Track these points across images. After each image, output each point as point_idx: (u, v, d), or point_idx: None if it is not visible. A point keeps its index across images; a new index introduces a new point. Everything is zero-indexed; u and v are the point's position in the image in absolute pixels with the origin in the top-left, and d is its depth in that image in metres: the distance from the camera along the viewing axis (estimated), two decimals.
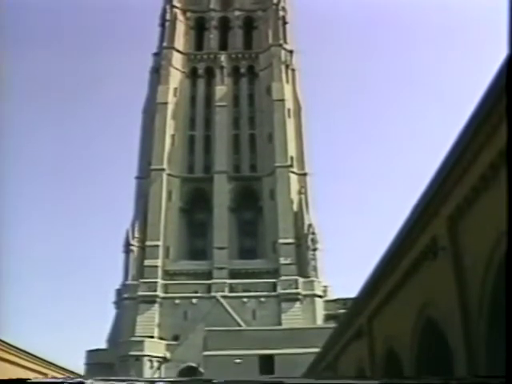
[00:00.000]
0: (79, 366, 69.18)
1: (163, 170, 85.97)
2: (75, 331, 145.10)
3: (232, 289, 77.77)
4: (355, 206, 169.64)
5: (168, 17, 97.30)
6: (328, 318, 73.95)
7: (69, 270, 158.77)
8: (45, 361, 45.35)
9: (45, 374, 45.33)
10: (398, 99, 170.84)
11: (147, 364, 71.43)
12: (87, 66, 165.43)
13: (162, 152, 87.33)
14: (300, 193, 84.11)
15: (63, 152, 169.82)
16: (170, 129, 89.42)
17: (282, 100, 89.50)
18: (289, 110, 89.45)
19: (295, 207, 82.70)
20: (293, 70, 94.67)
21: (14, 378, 34.04)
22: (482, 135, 12.33)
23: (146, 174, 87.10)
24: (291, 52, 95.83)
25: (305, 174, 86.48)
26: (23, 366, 41.37)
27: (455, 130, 13.37)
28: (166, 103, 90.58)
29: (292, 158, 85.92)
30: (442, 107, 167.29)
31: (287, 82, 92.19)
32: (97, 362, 74.60)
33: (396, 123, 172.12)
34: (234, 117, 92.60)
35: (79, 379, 21.86)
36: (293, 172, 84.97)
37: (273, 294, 77.11)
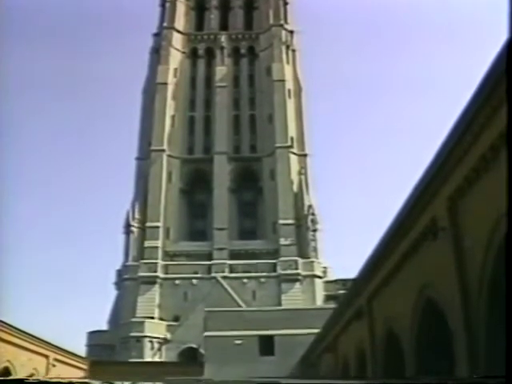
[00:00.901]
0: (81, 348, 69.65)
1: (163, 150, 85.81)
2: (76, 313, 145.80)
3: (232, 269, 77.89)
4: (355, 187, 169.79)
5: None
6: (328, 298, 74.13)
7: (69, 251, 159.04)
8: (47, 343, 45.57)
9: (46, 356, 45.55)
10: (398, 81, 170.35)
11: (148, 345, 71.65)
12: (88, 46, 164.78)
13: (162, 133, 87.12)
14: (300, 173, 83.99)
15: (63, 132, 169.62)
16: (169, 109, 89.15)
17: (283, 81, 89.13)
18: (289, 90, 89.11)
19: (295, 188, 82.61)
20: (293, 51, 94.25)
21: (16, 359, 34.37)
22: (482, 116, 12.27)
23: (146, 155, 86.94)
24: (292, 32, 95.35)
25: (305, 155, 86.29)
26: (26, 348, 41.60)
27: (456, 110, 13.30)
28: (165, 84, 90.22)
29: (292, 138, 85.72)
30: (444, 88, 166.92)
31: (288, 62, 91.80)
32: (98, 343, 74.93)
33: (397, 104, 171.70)
34: (234, 97, 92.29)
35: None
36: (293, 153, 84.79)
37: (273, 274, 77.21)
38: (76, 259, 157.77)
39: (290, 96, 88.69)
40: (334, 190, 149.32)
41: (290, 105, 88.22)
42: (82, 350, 64.63)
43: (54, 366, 46.19)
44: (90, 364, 55.34)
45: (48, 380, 35.18)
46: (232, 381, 31.98)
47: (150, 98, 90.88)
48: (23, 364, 41.04)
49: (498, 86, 10.98)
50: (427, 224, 16.37)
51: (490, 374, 13.03)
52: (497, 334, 12.70)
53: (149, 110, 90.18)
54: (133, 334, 71.47)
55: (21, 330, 40.53)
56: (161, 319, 74.83)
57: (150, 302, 76.47)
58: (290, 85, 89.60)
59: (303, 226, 79.81)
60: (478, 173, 13.03)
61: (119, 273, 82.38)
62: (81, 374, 53.59)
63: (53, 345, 46.75)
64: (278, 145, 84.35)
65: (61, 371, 48.14)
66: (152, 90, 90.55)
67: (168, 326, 73.77)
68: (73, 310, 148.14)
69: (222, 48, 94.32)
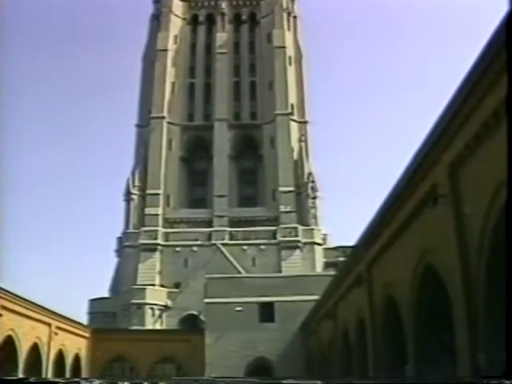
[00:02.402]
0: (82, 316, 70.13)
1: (163, 117, 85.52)
2: (77, 280, 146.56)
3: (232, 236, 78.06)
4: (355, 154, 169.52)
5: None
6: (327, 265, 74.32)
7: (69, 219, 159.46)
8: (49, 311, 45.82)
9: (49, 325, 45.84)
10: (400, 46, 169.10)
11: (149, 312, 72.03)
12: (88, 12, 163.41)
13: (162, 100, 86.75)
14: (300, 141, 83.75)
15: (64, 98, 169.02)
16: (169, 76, 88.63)
17: (283, 47, 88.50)
18: (290, 57, 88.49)
19: (295, 155, 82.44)
20: (294, 18, 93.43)
21: (19, 327, 34.55)
22: (485, 82, 12.19)
23: (146, 122, 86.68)
24: None
25: (305, 122, 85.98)
26: (28, 316, 41.81)
27: (459, 77, 13.22)
28: (165, 50, 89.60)
29: (292, 105, 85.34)
30: (445, 55, 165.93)
31: (288, 29, 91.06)
32: (99, 311, 75.35)
33: (398, 70, 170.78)
34: (235, 64, 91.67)
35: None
36: (293, 120, 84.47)
37: (273, 241, 77.37)
38: (76, 227, 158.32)
39: (290, 63, 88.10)
40: (335, 157, 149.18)
41: (291, 72, 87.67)
42: (83, 318, 65.12)
43: (56, 334, 46.51)
44: (91, 332, 55.72)
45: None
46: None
47: (149, 65, 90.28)
48: (26, 333, 41.32)
49: (501, 51, 10.90)
50: (427, 191, 16.37)
51: (489, 339, 13.11)
52: (496, 300, 12.74)
53: (149, 77, 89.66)
54: (134, 301, 71.82)
55: (23, 298, 40.74)
56: (161, 286, 75.15)
57: (150, 269, 76.74)
58: (290, 51, 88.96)
59: (303, 193, 79.79)
60: (480, 140, 12.99)
61: (120, 240, 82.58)
62: (83, 341, 54.01)
63: (55, 313, 47.01)
64: (278, 112, 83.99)
65: (63, 339, 48.50)
66: (152, 56, 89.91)
67: (169, 292, 74.12)
68: (74, 277, 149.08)
69: (222, 14, 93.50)
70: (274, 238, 77.45)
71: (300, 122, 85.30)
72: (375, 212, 21.59)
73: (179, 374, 55.36)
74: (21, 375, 40.90)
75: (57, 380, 35.17)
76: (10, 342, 39.19)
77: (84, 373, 53.62)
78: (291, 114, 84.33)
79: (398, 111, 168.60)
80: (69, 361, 50.35)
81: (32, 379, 29.26)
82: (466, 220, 14.21)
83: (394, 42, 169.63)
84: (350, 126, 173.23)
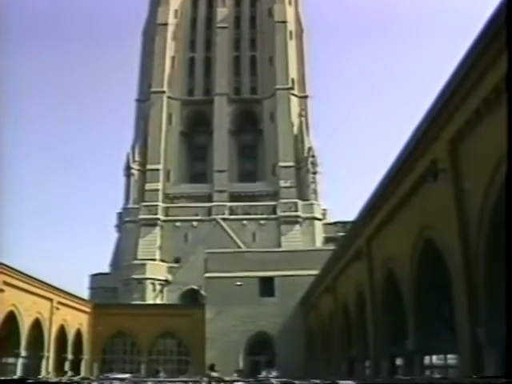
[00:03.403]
0: (83, 291, 70.44)
1: (163, 92, 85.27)
2: (78, 256, 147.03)
3: (232, 211, 78.09)
4: (356, 129, 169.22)
5: None
6: (327, 240, 74.48)
7: (69, 194, 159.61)
8: (50, 286, 45.97)
9: (50, 300, 46.01)
10: (401, 20, 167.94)
11: (149, 287, 72.30)
12: None
13: (162, 74, 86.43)
14: (300, 115, 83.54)
15: (64, 74, 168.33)
16: (170, 51, 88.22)
17: (284, 22, 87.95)
18: (290, 32, 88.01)
19: (295, 130, 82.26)
20: None
21: (21, 302, 34.69)
22: (486, 58, 12.12)
23: (146, 97, 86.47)
24: None
25: (305, 97, 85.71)
26: (30, 291, 41.94)
27: (460, 52, 13.13)
28: (166, 24, 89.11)
29: (293, 80, 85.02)
30: (447, 30, 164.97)
31: (289, 3, 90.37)
32: (100, 286, 75.67)
33: (399, 45, 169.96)
34: (235, 39, 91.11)
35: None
36: (293, 94, 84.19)
37: (272, 216, 77.45)
38: (77, 202, 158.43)
39: (291, 37, 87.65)
40: (335, 132, 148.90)
41: (291, 46, 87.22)
42: (84, 293, 65.36)
43: (57, 309, 46.70)
44: (93, 307, 55.93)
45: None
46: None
47: (149, 39, 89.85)
48: (28, 308, 41.47)
49: (503, 27, 10.81)
50: (428, 166, 16.34)
51: (488, 315, 13.16)
52: (496, 275, 12.76)
53: (149, 51, 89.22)
54: (134, 276, 72.08)
55: (25, 273, 40.86)
56: (162, 261, 75.35)
57: (150, 244, 76.90)
58: (291, 26, 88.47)
59: (303, 168, 79.72)
60: (481, 115, 12.93)
61: (120, 215, 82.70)
62: (84, 316, 54.22)
63: (56, 288, 47.16)
64: (278, 86, 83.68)
65: (65, 314, 48.70)
66: (152, 31, 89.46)
67: (169, 267, 74.35)
68: (75, 253, 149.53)
69: None
70: (274, 212, 77.52)
71: (300, 97, 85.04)
72: (375, 187, 21.58)
73: (180, 349, 55.72)
74: (23, 351, 41.16)
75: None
76: (12, 317, 39.36)
77: (86, 348, 53.93)
78: (291, 88, 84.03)
79: (399, 86, 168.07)
80: (70, 336, 50.60)
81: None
82: (466, 195, 14.20)
83: (396, 19, 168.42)
84: (351, 100, 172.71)
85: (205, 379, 32.77)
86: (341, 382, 24.86)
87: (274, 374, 45.87)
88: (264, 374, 45.74)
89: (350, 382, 24.49)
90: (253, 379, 35.12)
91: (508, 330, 11.80)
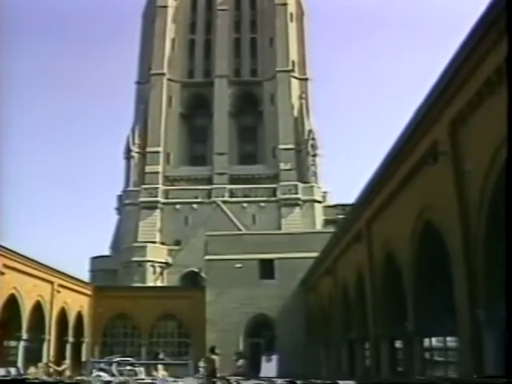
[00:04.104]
0: (84, 274, 70.65)
1: (163, 74, 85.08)
2: (79, 239, 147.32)
3: (232, 194, 78.12)
4: (356, 111, 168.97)
5: None
6: (327, 223, 74.52)
7: (70, 176, 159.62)
8: (51, 269, 46.06)
9: (51, 282, 46.12)
10: (403, 3, 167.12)
11: (150, 269, 72.46)
12: None
13: (162, 56, 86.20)
14: (301, 98, 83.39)
15: (63, 57, 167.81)
16: (170, 33, 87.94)
17: (285, 4, 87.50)
18: (291, 14, 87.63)
19: (296, 112, 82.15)
20: None
21: (22, 285, 34.84)
22: (488, 39, 12.07)
23: (146, 79, 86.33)
24: None
25: (306, 79, 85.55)
26: (31, 274, 42.03)
27: (462, 33, 13.06)
28: (166, 7, 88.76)
29: (293, 62, 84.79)
30: (449, 9, 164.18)
31: None
32: (101, 268, 75.85)
33: (400, 26, 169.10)
34: (236, 21, 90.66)
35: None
36: (294, 77, 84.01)
37: (272, 199, 77.50)
38: (77, 185, 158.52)
39: (291, 20, 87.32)
40: (335, 114, 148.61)
41: (292, 29, 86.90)
42: (85, 276, 65.51)
43: (58, 292, 46.82)
44: (93, 289, 56.09)
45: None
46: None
47: (149, 22, 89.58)
48: (28, 291, 41.57)
49: (504, 12, 10.75)
50: (428, 148, 16.32)
51: (488, 296, 13.18)
52: (496, 258, 12.77)
53: (149, 33, 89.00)
54: (135, 259, 72.23)
55: (25, 256, 40.91)
56: (162, 244, 75.51)
57: (151, 226, 77.03)
58: (292, 8, 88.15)
59: (303, 150, 79.69)
60: (482, 97, 12.88)
61: (120, 198, 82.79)
62: (85, 299, 54.39)
63: (57, 271, 47.24)
64: (278, 68, 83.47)
65: (65, 297, 48.84)
66: (152, 14, 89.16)
67: (169, 250, 74.49)
68: (75, 235, 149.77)
69: None
70: (274, 195, 77.56)
71: (301, 79, 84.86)
72: (375, 169, 21.56)
73: (180, 331, 55.94)
74: (24, 334, 41.31)
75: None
76: (13, 300, 39.47)
77: (86, 331, 54.12)
78: (292, 70, 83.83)
79: (400, 67, 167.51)
80: (71, 319, 50.75)
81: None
82: (467, 177, 14.18)
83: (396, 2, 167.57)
84: (352, 83, 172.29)
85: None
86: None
87: (273, 357, 46.14)
88: (263, 361, 46.00)
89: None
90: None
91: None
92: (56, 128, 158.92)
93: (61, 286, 47.57)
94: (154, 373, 33.54)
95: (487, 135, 12.59)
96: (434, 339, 22.83)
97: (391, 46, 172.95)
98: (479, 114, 13.24)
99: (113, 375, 25.98)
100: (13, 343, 42.84)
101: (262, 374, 39.97)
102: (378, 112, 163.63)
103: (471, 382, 12.97)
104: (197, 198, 77.98)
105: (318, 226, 74.45)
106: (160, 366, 44.69)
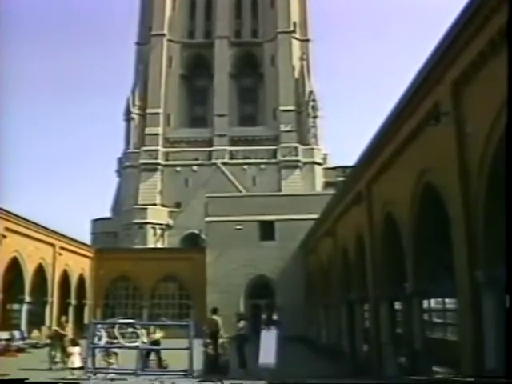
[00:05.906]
0: (85, 236, 70.87)
1: (163, 35, 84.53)
2: (80, 201, 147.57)
3: (232, 156, 78.08)
4: (357, 73, 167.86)
5: None
6: (327, 185, 74.58)
7: (70, 138, 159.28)
8: (53, 231, 46.17)
9: (53, 245, 46.25)
10: None
11: (150, 231, 72.76)
12: None
13: (163, 17, 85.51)
14: (302, 59, 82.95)
15: (64, 19, 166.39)
16: None
17: None
18: None
19: (296, 74, 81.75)
20: None
21: (23, 248, 34.93)
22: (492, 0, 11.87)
23: (146, 40, 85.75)
24: None
25: (307, 40, 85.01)
26: (32, 237, 42.10)
27: None
28: None
29: (295, 23, 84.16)
30: None
31: None
32: (102, 231, 76.19)
33: None
34: None
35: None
36: (295, 38, 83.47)
37: (273, 161, 77.51)
38: (77, 147, 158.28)
39: None
40: (336, 76, 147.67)
41: None
42: (86, 239, 65.80)
43: (60, 254, 46.99)
44: (95, 251, 56.31)
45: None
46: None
47: None
48: (30, 254, 41.71)
49: None
50: (430, 109, 16.17)
51: (487, 257, 13.18)
52: (496, 222, 12.74)
53: None
54: (135, 221, 72.51)
55: (27, 219, 40.96)
56: (162, 206, 75.69)
57: (151, 188, 77.13)
58: None
59: (304, 112, 79.50)
60: (485, 58, 12.73)
61: (120, 160, 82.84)
62: (87, 261, 54.62)
63: (59, 233, 47.36)
64: (279, 30, 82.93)
65: (67, 260, 49.04)
66: None
67: (170, 212, 74.72)
68: (76, 198, 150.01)
69: None
70: (274, 157, 77.56)
71: (302, 40, 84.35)
72: (376, 130, 21.43)
73: (181, 292, 56.27)
74: (27, 297, 41.52)
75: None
76: (15, 263, 39.63)
77: (88, 293, 54.46)
78: (293, 31, 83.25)
79: (403, 28, 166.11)
80: (73, 281, 51.08)
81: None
82: (468, 139, 14.08)
83: None
84: (352, 44, 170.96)
85: None
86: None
87: (275, 317, 46.29)
88: (263, 331, 46.07)
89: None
90: None
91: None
92: (54, 88, 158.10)
93: (62, 248, 47.76)
94: (151, 335, 33.58)
95: (490, 97, 12.47)
96: (432, 301, 22.96)
97: (395, 5, 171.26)
98: (482, 75, 13.10)
99: (115, 338, 26.04)
100: (16, 306, 43.08)
101: (262, 342, 40.08)
102: (379, 73, 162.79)
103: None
104: (197, 159, 77.96)
105: (318, 188, 74.57)
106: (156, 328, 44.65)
